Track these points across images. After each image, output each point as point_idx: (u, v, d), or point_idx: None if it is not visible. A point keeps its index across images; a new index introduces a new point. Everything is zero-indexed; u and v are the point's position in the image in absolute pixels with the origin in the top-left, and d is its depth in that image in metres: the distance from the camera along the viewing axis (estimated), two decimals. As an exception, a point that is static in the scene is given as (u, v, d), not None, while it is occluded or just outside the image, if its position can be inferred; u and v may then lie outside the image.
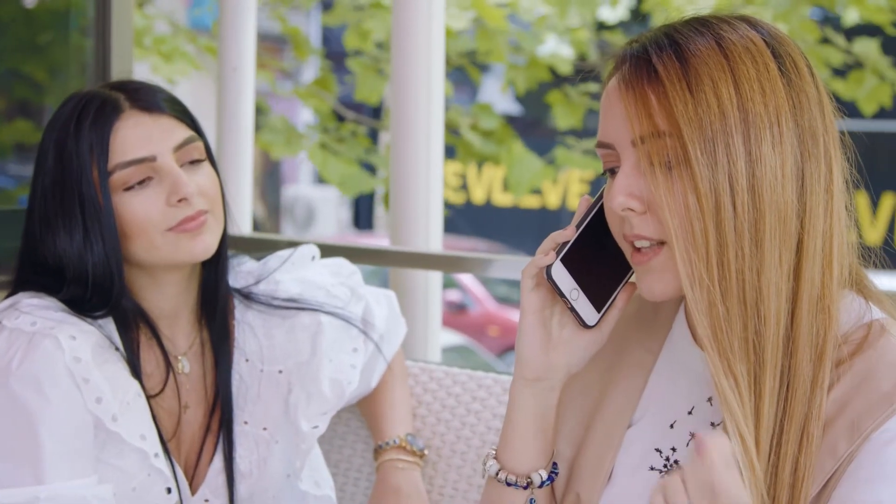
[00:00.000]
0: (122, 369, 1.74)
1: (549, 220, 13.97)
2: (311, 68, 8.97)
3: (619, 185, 1.30)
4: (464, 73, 6.27)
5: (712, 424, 1.37)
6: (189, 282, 1.86)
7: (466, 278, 10.19)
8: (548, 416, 1.43)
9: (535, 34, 5.93)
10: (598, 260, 1.41)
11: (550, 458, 1.45)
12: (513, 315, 10.16)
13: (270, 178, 14.97)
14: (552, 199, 13.98)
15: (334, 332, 1.93)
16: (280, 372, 1.90)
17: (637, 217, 1.30)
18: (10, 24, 2.73)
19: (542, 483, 1.43)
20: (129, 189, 1.74)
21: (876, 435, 1.24)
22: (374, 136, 8.54)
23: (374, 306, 2.03)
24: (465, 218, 13.20)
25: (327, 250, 2.23)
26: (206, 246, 1.77)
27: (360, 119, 5.99)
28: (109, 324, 1.77)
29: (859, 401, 1.25)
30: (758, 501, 1.22)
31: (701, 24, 1.31)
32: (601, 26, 6.59)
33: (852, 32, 5.56)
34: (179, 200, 1.74)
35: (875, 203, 11.05)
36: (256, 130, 3.35)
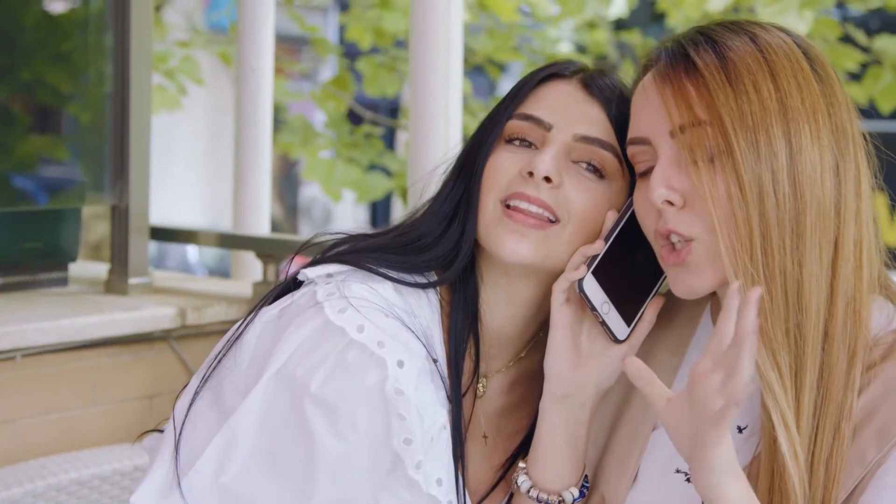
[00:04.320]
0: (434, 390, 1.46)
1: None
2: (329, 69, 8.98)
3: (657, 176, 1.29)
4: (479, 74, 6.27)
5: (739, 429, 1.36)
6: (523, 298, 1.55)
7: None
8: (578, 432, 1.43)
9: (550, 32, 5.92)
10: (627, 273, 1.40)
11: (582, 474, 1.45)
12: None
13: (288, 179, 15.01)
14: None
15: None
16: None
17: (674, 211, 1.29)
18: (33, 30, 2.72)
19: (574, 500, 1.44)
20: (509, 141, 1.53)
21: None
22: (390, 136, 8.54)
23: None
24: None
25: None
26: (519, 249, 1.47)
27: (376, 119, 5.99)
28: (433, 312, 1.53)
29: (887, 408, 1.25)
30: (801, 493, 1.22)
31: (733, 24, 1.32)
32: (618, 25, 6.58)
33: (871, 31, 5.53)
34: (529, 173, 1.48)
35: (895, 203, 10.96)
36: (274, 132, 3.36)
